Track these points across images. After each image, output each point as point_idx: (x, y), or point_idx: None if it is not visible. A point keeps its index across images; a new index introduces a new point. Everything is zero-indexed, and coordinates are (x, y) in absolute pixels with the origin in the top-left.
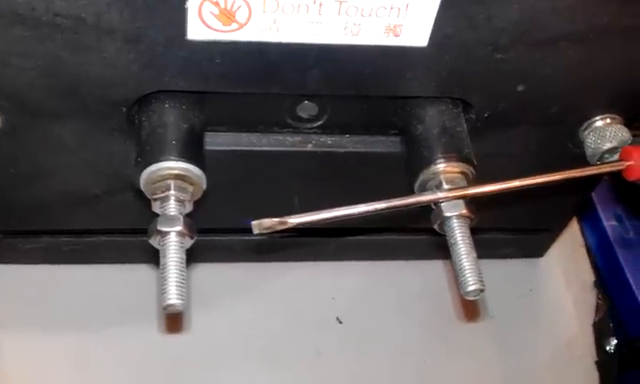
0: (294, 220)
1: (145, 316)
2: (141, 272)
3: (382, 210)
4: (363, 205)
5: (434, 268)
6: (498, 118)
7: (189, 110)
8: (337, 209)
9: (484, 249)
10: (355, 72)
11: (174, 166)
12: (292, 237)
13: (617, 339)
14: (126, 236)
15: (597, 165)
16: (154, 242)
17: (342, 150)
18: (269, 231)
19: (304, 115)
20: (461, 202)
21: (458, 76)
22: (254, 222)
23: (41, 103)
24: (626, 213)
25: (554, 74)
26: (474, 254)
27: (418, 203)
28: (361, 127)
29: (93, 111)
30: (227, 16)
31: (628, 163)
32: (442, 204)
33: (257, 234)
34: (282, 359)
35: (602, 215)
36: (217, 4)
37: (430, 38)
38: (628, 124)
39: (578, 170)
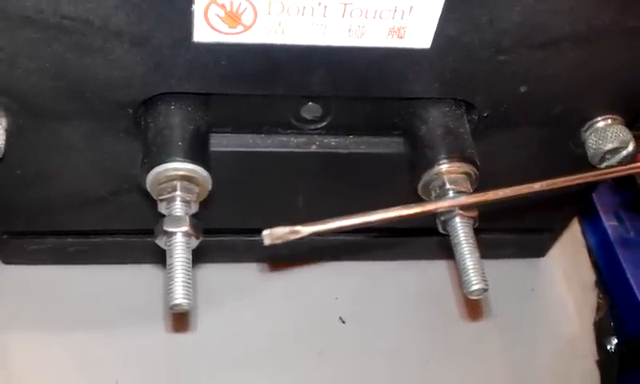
0: (306, 229)
1: (151, 316)
2: (147, 272)
3: (399, 217)
4: (381, 212)
5: (437, 268)
6: (500, 119)
7: (194, 112)
8: (352, 217)
9: (486, 249)
10: (359, 74)
11: (180, 167)
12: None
13: (617, 338)
14: (132, 236)
15: (615, 168)
16: (160, 242)
17: (346, 151)
18: (280, 242)
19: (308, 116)
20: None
21: (461, 77)
22: (265, 232)
23: (47, 105)
24: (626, 213)
25: (556, 75)
26: (477, 254)
27: (436, 210)
28: (364, 128)
29: (99, 113)
30: (233, 18)
31: None
32: None
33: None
34: (285, 358)
35: (602, 215)
36: (223, 6)
37: (434, 39)
38: (629, 125)
39: (597, 172)
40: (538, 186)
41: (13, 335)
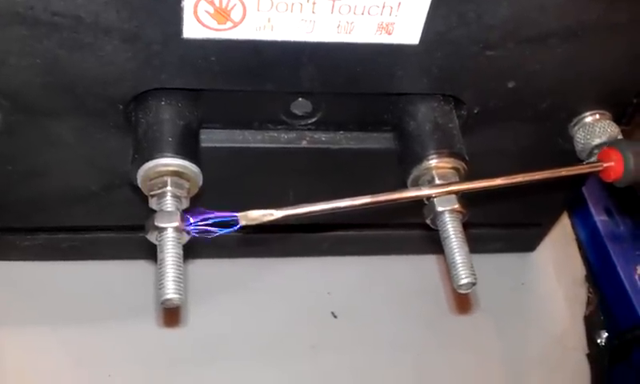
0: (280, 213)
1: (143, 311)
2: (138, 267)
3: (367, 204)
4: (349, 199)
5: (428, 262)
6: (489, 114)
7: (185, 108)
8: (323, 202)
9: (476, 244)
10: (348, 69)
11: (171, 162)
12: (287, 232)
13: (607, 332)
14: (124, 232)
15: (575, 165)
16: (151, 237)
17: (336, 147)
18: (255, 223)
19: (298, 112)
20: (453, 197)
21: (449, 73)
22: (239, 214)
23: (38, 101)
24: (616, 207)
25: (544, 70)
26: (466, 248)
27: (403, 199)
28: (354, 124)
29: (90, 109)
30: (222, 14)
31: (606, 164)
32: (435, 199)
33: (244, 226)
34: (277, 353)
35: (592, 210)
36: (212, 3)
37: (422, 35)
38: (617, 120)
39: (556, 170)
40: (499, 181)
41: (5, 331)
